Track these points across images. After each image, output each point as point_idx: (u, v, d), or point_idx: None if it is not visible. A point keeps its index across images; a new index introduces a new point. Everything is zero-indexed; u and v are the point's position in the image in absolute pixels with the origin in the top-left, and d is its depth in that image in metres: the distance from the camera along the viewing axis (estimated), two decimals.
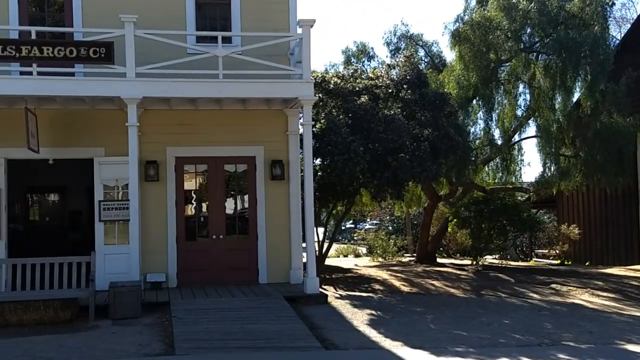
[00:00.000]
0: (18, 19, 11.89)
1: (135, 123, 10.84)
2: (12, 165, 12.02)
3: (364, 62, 21.51)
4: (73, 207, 17.81)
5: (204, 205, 12.99)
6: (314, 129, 12.53)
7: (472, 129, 19.57)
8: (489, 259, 20.94)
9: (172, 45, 11.35)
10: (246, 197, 12.89)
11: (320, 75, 15.01)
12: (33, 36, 10.88)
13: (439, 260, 21.03)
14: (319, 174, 13.25)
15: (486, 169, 20.17)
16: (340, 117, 13.57)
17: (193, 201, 12.92)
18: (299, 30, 11.70)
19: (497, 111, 18.92)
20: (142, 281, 11.10)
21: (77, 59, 10.85)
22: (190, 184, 12.77)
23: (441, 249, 23.60)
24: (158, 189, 12.20)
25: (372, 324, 9.85)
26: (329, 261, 18.40)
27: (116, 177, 12.02)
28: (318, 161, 13.65)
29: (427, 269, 17.77)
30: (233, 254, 12.52)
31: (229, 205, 12.99)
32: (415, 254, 21.96)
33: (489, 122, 18.97)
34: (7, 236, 11.92)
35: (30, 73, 10.86)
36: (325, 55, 76.13)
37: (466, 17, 18.76)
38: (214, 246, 12.53)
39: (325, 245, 16.47)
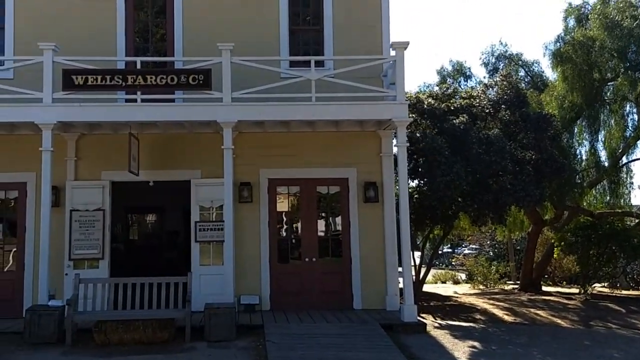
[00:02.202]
0: (125, 50, 12.59)
1: (230, 146, 11.04)
2: (115, 187, 12.60)
3: (460, 81, 21.11)
4: (170, 227, 18.43)
5: (296, 227, 12.98)
6: (408, 150, 12.25)
7: (577, 151, 18.67)
8: (598, 287, 19.59)
9: (266, 70, 11.57)
10: (339, 220, 12.79)
11: (414, 96, 14.76)
12: (138, 66, 11.43)
13: (544, 288, 20.02)
14: (415, 196, 12.92)
15: (593, 192, 19.20)
16: (437, 137, 13.22)
17: (285, 223, 12.95)
18: (392, 53, 11.64)
19: (602, 132, 18.17)
20: (236, 303, 11.17)
21: (178, 86, 11.27)
22: (282, 206, 12.82)
23: (546, 276, 22.41)
24: (251, 210, 12.38)
25: (474, 356, 9.36)
26: (426, 287, 17.89)
27: (211, 199, 12.28)
28: (414, 183, 13.32)
29: (532, 297, 16.91)
30: (326, 278, 12.40)
31: (322, 228, 12.92)
32: (518, 282, 20.95)
33: (595, 144, 18.25)
34: (110, 255, 12.43)
35: (135, 100, 11.36)
36: (418, 75, 75.69)
37: (567, 36, 18.41)
38: (306, 269, 12.46)
39: (423, 270, 16.02)
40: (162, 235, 18.70)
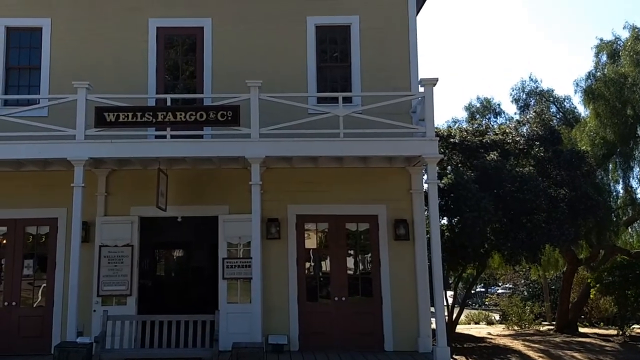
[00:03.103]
0: (155, 87, 12.79)
1: (258, 181, 10.99)
2: (143, 222, 12.62)
3: (489, 118, 20.97)
4: (196, 263, 18.31)
5: (325, 265, 12.77)
6: (439, 185, 12.07)
7: (611, 188, 18.30)
8: (637, 329, 18.86)
9: (294, 107, 11.60)
10: (368, 257, 12.58)
11: (444, 131, 14.67)
12: (168, 103, 11.56)
13: (580, 329, 19.34)
14: (446, 234, 12.70)
15: (629, 230, 18.70)
16: (469, 172, 13.04)
17: (313, 260, 12.75)
18: (421, 89, 11.60)
19: (637, 169, 17.68)
20: (264, 342, 10.95)
21: (207, 122, 11.34)
22: (310, 242, 12.66)
23: (582, 317, 21.69)
24: (279, 247, 12.25)
25: None
26: (459, 328, 17.45)
27: (239, 235, 12.20)
28: (445, 221, 13.10)
29: (568, 339, 16.38)
30: (356, 318, 12.12)
31: (351, 265, 12.69)
32: (553, 322, 20.32)
33: (629, 181, 17.97)
34: (138, 292, 12.37)
35: (164, 136, 11.47)
36: (446, 110, 75.53)
37: (598, 73, 18.32)
38: (336, 308, 12.20)
39: (455, 311, 15.62)
40: (189, 271, 18.60)
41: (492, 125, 18.98)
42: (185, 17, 13.03)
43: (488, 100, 21.25)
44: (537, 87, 20.96)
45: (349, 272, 12.55)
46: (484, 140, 14.70)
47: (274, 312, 11.89)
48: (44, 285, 12.37)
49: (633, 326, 18.00)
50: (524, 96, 20.73)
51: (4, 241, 12.54)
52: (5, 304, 12.16)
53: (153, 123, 11.32)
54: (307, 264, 12.60)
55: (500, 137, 15.24)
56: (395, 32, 13.00)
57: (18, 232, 12.46)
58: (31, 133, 11.25)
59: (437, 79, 11.35)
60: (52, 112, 12.11)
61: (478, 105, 21.29)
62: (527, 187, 12.93)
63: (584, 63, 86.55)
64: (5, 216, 12.35)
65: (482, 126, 16.76)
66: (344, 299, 12.24)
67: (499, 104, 21.31)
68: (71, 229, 11.06)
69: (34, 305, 12.32)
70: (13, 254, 12.41)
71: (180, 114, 11.23)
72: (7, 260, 12.41)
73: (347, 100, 12.16)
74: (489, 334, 18.34)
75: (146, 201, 11.86)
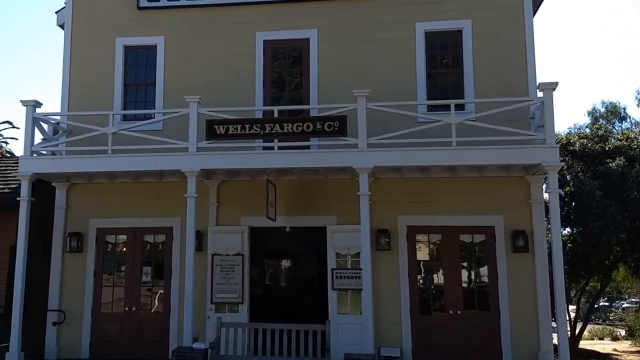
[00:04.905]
0: (263, 100, 12.93)
1: (366, 192, 10.81)
2: (253, 232, 12.78)
3: (614, 123, 19.47)
4: (304, 273, 18.39)
5: (437, 277, 12.34)
6: (560, 194, 11.28)
7: None
8: None
9: (403, 115, 11.33)
10: (483, 270, 12.05)
11: (564, 138, 13.75)
12: (275, 114, 11.63)
13: None
14: (568, 245, 11.88)
15: None
16: (592, 181, 12.12)
17: (425, 272, 12.35)
18: (540, 94, 11.04)
19: None
20: (376, 355, 10.77)
21: (313, 133, 11.29)
22: (422, 254, 12.30)
23: None
24: (390, 258, 12.00)
25: None
26: (582, 344, 16.36)
27: (348, 246, 12.08)
28: (566, 231, 12.26)
29: None
30: (472, 332, 11.66)
31: (465, 278, 12.21)
32: None
33: None
34: (249, 300, 12.53)
35: (272, 148, 11.55)
36: (567, 116, 71.58)
37: None
38: (451, 322, 11.79)
39: (578, 326, 14.64)
40: (297, 281, 18.74)
41: (614, 131, 17.68)
42: (292, 29, 13.10)
43: (614, 105, 19.80)
44: None
45: (463, 285, 12.11)
46: (606, 147, 13.67)
47: (385, 324, 11.68)
48: (161, 291, 12.85)
49: None
50: None
51: (124, 249, 13.15)
52: (126, 309, 12.75)
53: (261, 135, 11.44)
54: (419, 276, 12.26)
55: (623, 142, 14.12)
56: (510, 35, 12.44)
57: (137, 241, 13.04)
58: (147, 146, 11.73)
59: (556, 83, 10.80)
60: (167, 125, 12.58)
61: (602, 110, 19.89)
62: None
63: None
64: (126, 225, 12.96)
65: (601, 130, 15.55)
66: (458, 312, 11.80)
67: (624, 108, 19.79)
68: (185, 238, 11.41)
69: (152, 311, 12.83)
70: (132, 261, 13.00)
71: (288, 126, 11.26)
72: (127, 267, 13.01)
73: (459, 107, 11.70)
74: (615, 350, 17.10)
75: (255, 211, 12.01)
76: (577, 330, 14.54)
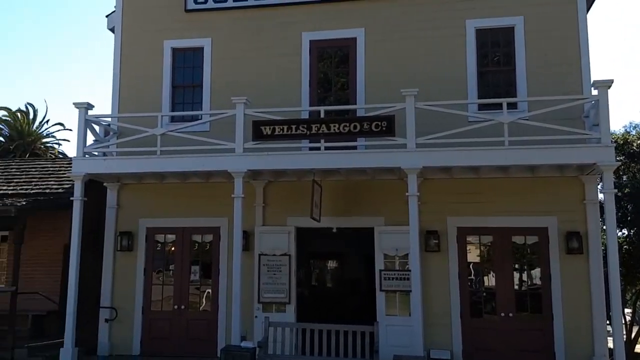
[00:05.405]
0: (309, 100, 12.89)
1: (415, 193, 10.68)
2: (299, 232, 12.75)
3: None
4: (350, 274, 18.28)
5: (488, 279, 12.11)
6: (615, 196, 10.93)
7: None
8: None
9: (452, 114, 11.15)
10: (535, 272, 11.77)
11: (620, 137, 13.30)
12: (322, 115, 11.58)
13: None
14: (624, 247, 11.51)
15: None
16: None
17: (476, 274, 12.13)
18: (594, 92, 10.74)
19: None
20: (426, 357, 10.66)
21: (360, 133, 11.18)
22: (472, 256, 12.07)
23: None
24: (439, 260, 11.84)
25: None
26: (638, 348, 15.81)
27: (396, 247, 11.96)
28: (622, 232, 11.89)
29: None
30: (524, 335, 11.43)
31: (517, 280, 11.95)
32: None
33: None
34: (296, 300, 12.54)
35: (318, 148, 11.51)
36: (623, 114, 69.10)
37: None
38: (502, 325, 11.57)
39: (635, 329, 14.19)
40: (344, 281, 18.65)
41: None
42: (338, 29, 13.01)
43: None
44: None
45: (515, 287, 11.86)
46: None
47: (434, 326, 11.53)
48: (209, 290, 12.97)
49: None
50: None
51: (173, 248, 13.33)
52: (175, 307, 12.93)
53: (307, 135, 11.40)
54: (469, 278, 12.05)
55: None
56: (564, 32, 12.08)
57: (185, 240, 13.19)
58: (195, 147, 11.82)
59: (612, 81, 10.49)
60: (214, 126, 12.65)
61: None
62: None
63: None
64: (174, 225, 13.14)
65: None
66: (510, 315, 11.58)
67: None
68: (232, 238, 11.49)
69: (200, 309, 12.98)
70: (181, 260, 13.17)
71: (334, 126, 11.19)
72: (176, 266, 13.19)
73: (511, 106, 11.44)
74: None
75: (302, 212, 11.95)
76: (633, 334, 14.10)
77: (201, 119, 12.84)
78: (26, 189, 14.45)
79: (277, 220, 12.66)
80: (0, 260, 15.14)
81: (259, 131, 11.41)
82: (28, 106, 30.68)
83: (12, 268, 12.88)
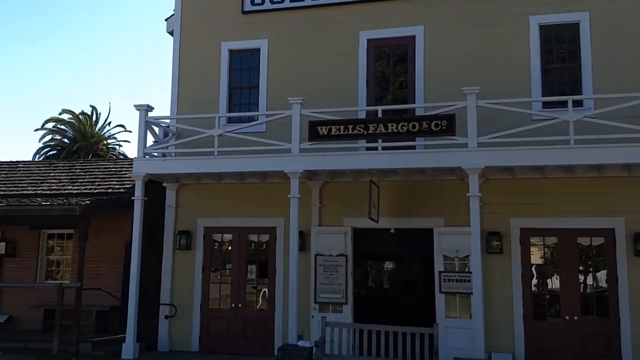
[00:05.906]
0: (366, 100, 12.81)
1: (476, 193, 10.48)
2: (356, 233, 12.69)
3: None
4: (407, 275, 18.09)
5: (552, 282, 11.77)
6: None
7: None
8: None
9: (515, 113, 10.90)
10: (601, 275, 11.38)
11: None
12: (379, 114, 11.48)
13: None
14: None
15: None
16: None
17: (539, 276, 11.81)
18: None
19: None
20: None
21: (419, 133, 11.04)
22: (535, 258, 11.77)
23: None
24: (501, 262, 11.58)
25: None
26: None
27: (456, 248, 11.77)
28: None
29: None
30: (589, 339, 11.10)
31: (582, 283, 11.58)
32: None
33: None
34: (353, 301, 12.49)
35: (375, 148, 11.43)
36: None
37: None
38: (566, 328, 11.26)
39: None
40: (401, 283, 18.47)
41: None
42: (396, 27, 12.88)
43: None
44: None
45: (580, 289, 11.50)
46: None
47: (496, 330, 11.29)
48: (265, 289, 13.08)
49: None
50: None
51: (230, 247, 13.48)
52: (233, 305, 13.09)
53: (364, 135, 11.32)
54: (532, 280, 11.74)
55: None
56: (631, 27, 11.67)
57: (242, 240, 13.34)
58: (251, 148, 11.92)
59: None
60: (270, 127, 12.73)
61: None
62: None
63: None
64: (231, 224, 13.30)
65: None
66: (575, 318, 11.25)
67: None
68: (289, 238, 11.51)
69: (257, 308, 13.10)
70: (238, 260, 13.32)
71: (392, 125, 11.08)
72: (232, 265, 13.34)
73: (577, 104, 11.10)
74: None
75: (358, 212, 11.93)
76: None
77: (257, 119, 12.94)
78: (90, 189, 14.91)
79: (334, 221, 12.64)
80: (65, 257, 15.67)
81: (315, 131, 11.40)
82: (91, 108, 31.78)
83: (77, 265, 13.27)
